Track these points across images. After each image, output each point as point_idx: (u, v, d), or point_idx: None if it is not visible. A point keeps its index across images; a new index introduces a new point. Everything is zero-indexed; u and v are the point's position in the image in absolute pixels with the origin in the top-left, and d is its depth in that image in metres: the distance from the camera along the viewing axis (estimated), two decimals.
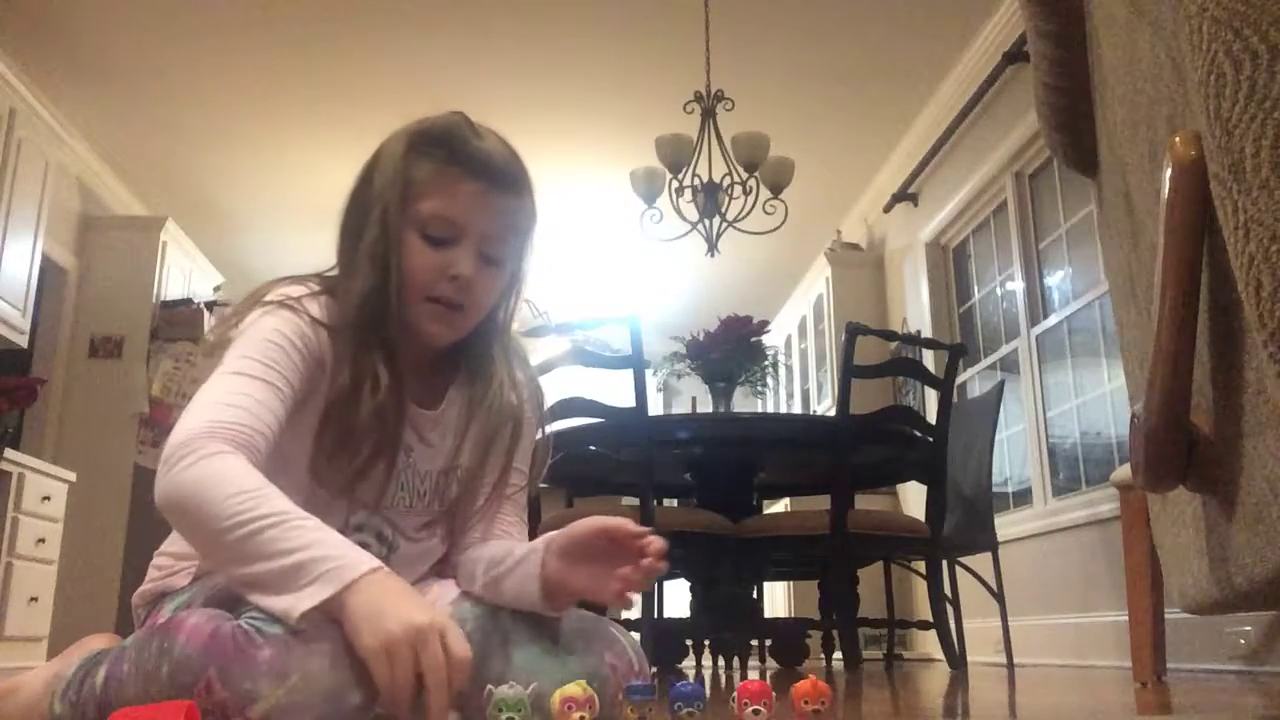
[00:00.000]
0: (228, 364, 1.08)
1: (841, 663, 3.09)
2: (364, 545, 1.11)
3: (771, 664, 3.86)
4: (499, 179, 1.16)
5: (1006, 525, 4.17)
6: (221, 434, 1.01)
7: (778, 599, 5.86)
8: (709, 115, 4.13)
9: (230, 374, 1.07)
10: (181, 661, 0.91)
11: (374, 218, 1.14)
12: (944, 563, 3.24)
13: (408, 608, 0.91)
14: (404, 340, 1.16)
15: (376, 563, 0.95)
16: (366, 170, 1.20)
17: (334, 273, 1.20)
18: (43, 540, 4.23)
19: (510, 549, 1.18)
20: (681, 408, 7.97)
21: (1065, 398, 4.24)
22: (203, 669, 0.90)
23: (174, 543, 1.19)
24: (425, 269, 1.13)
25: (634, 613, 3.03)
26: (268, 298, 1.15)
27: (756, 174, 3.97)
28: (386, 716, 1.07)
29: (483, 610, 1.16)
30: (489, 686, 0.94)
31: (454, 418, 1.23)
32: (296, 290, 1.16)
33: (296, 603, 0.92)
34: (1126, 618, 2.55)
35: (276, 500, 0.97)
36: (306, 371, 1.10)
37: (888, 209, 5.86)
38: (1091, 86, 1.06)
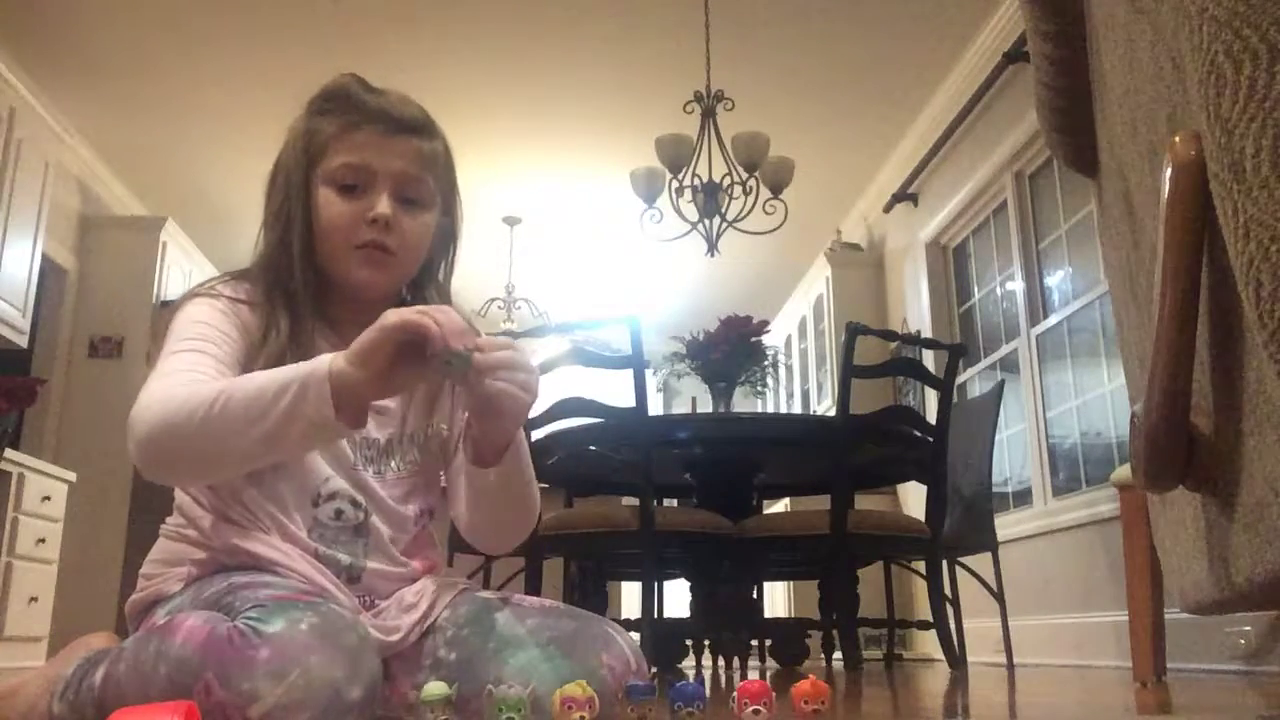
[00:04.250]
0: (162, 354, 1.12)
1: (841, 663, 3.09)
2: (339, 512, 1.16)
3: (771, 664, 3.86)
4: (399, 121, 1.20)
5: (1006, 525, 4.17)
6: (164, 391, 1.04)
7: (778, 599, 5.86)
8: (709, 115, 4.13)
9: (165, 356, 1.10)
10: (179, 663, 0.91)
11: (278, 184, 1.20)
12: (944, 563, 3.24)
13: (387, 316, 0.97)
14: (343, 299, 1.20)
15: (326, 358, 0.99)
16: (279, 151, 1.24)
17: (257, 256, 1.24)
18: (43, 540, 4.23)
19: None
20: (681, 408, 7.97)
21: (1065, 398, 4.24)
22: (201, 670, 0.90)
23: (161, 551, 1.20)
24: (343, 217, 1.16)
25: (634, 613, 3.03)
26: (191, 291, 1.20)
27: (756, 174, 3.97)
28: (388, 712, 1.08)
29: (479, 611, 1.17)
30: (489, 687, 0.94)
31: None
32: (209, 282, 1.21)
33: (315, 386, 0.97)
34: (1126, 618, 2.55)
35: (221, 382, 1.02)
36: (238, 341, 1.14)
37: (888, 209, 5.86)
38: (1091, 86, 1.06)
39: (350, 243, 1.16)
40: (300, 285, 1.17)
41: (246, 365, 1.13)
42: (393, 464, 1.22)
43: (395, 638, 1.12)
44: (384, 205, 1.16)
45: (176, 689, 0.90)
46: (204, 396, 1.00)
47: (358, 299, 1.20)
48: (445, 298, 1.27)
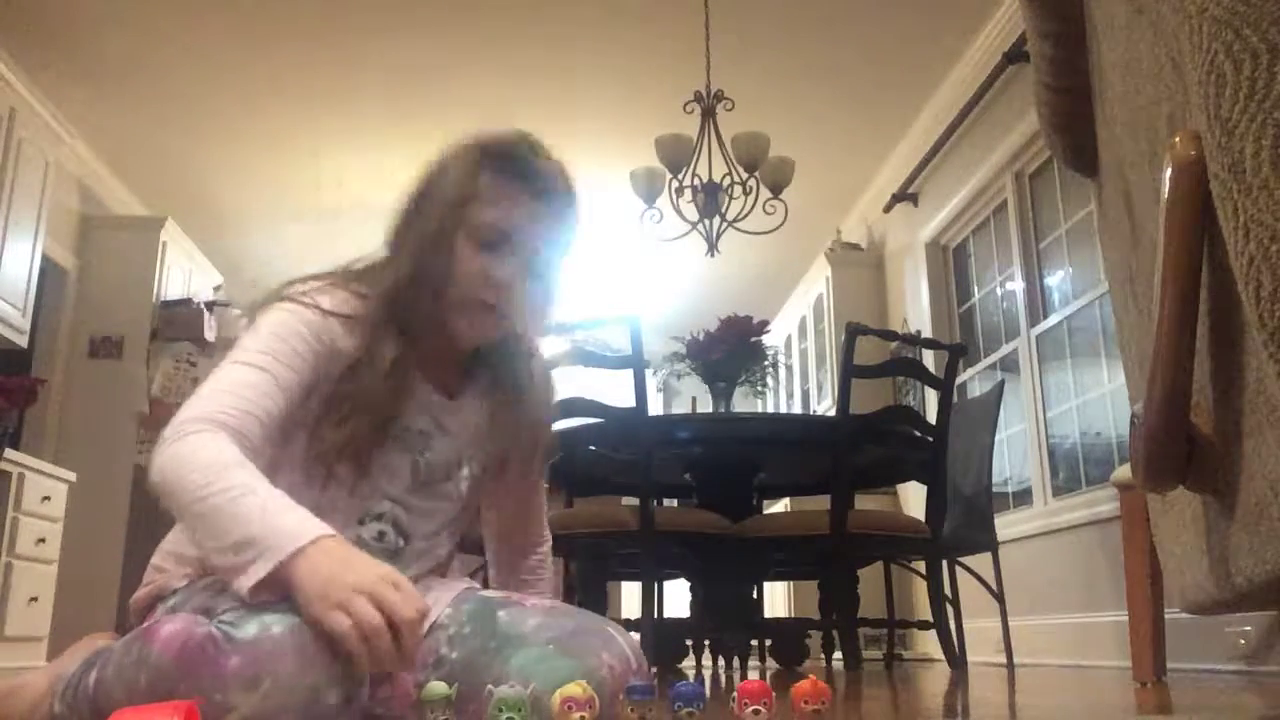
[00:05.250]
0: (229, 356, 1.12)
1: (841, 663, 3.09)
2: (380, 534, 1.18)
3: (771, 664, 3.86)
4: (554, 198, 1.22)
5: (1006, 525, 4.17)
6: (209, 416, 1.05)
7: (778, 599, 5.86)
8: (709, 115, 4.13)
9: (229, 364, 1.11)
10: (156, 671, 0.91)
11: (429, 217, 1.19)
12: (944, 563, 3.24)
13: (358, 567, 0.93)
14: (433, 333, 1.21)
15: (323, 530, 0.96)
16: (427, 174, 1.24)
17: (360, 265, 1.25)
18: (43, 540, 4.23)
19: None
20: (681, 408, 7.97)
21: (1065, 398, 4.24)
22: (177, 679, 0.90)
23: (171, 543, 1.21)
24: (471, 272, 1.18)
25: (634, 613, 3.03)
26: (285, 293, 1.19)
27: (756, 174, 3.97)
28: (389, 711, 1.08)
29: (480, 610, 1.17)
30: (489, 686, 0.94)
31: (472, 414, 1.28)
32: (308, 285, 1.20)
33: (245, 580, 0.94)
34: (1126, 618, 2.55)
35: (236, 474, 0.99)
36: (313, 360, 1.14)
37: (888, 209, 5.86)
38: (1091, 86, 1.06)
39: (466, 295, 1.18)
40: (421, 325, 1.19)
41: (318, 382, 1.14)
42: (441, 496, 1.27)
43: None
44: (509, 273, 1.18)
45: (157, 696, 0.90)
46: (199, 486, 0.99)
47: (448, 339, 1.24)
48: (537, 362, 1.34)
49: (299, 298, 1.17)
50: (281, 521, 0.96)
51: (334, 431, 1.14)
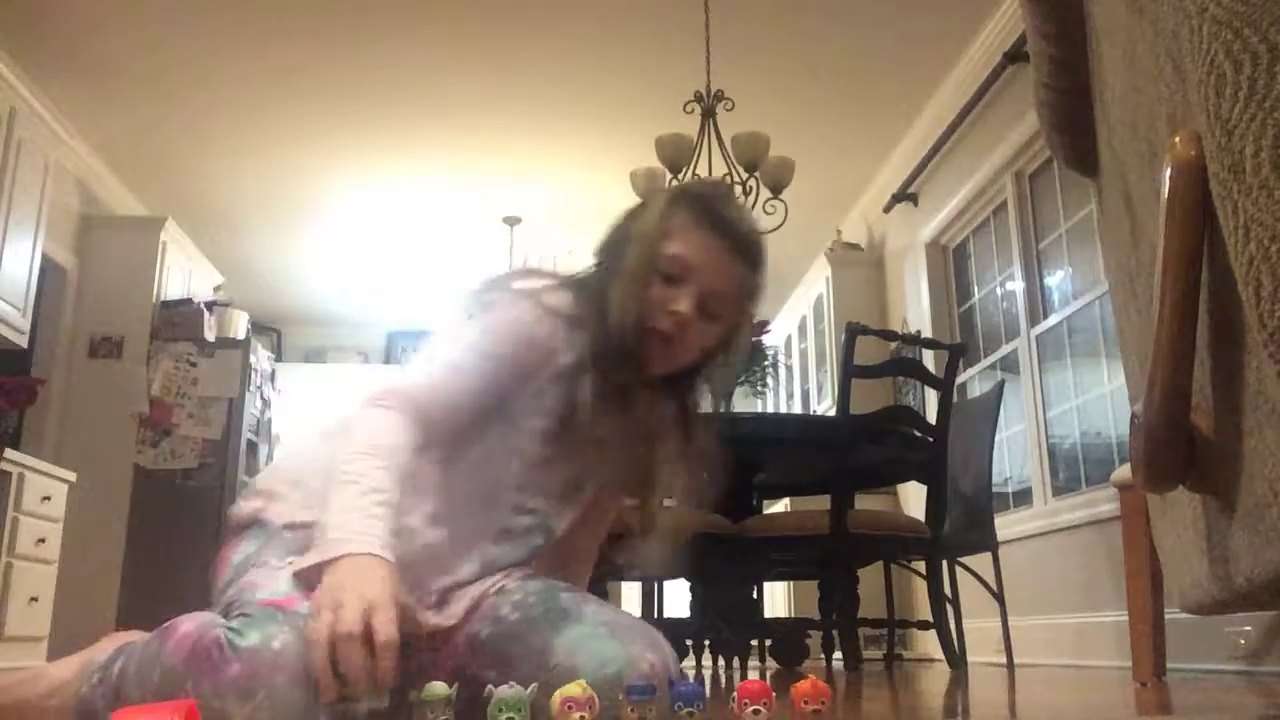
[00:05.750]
0: (456, 339, 1.27)
1: (841, 663, 3.09)
2: (528, 530, 1.31)
3: (771, 664, 3.86)
4: (736, 242, 1.31)
5: (1006, 525, 4.17)
6: (406, 397, 1.19)
7: (778, 599, 5.86)
8: (709, 115, 4.13)
9: (452, 366, 1.24)
10: (168, 670, 0.97)
11: (637, 247, 1.30)
12: (944, 563, 3.24)
13: (353, 588, 0.98)
14: (624, 358, 1.29)
15: (369, 548, 1.03)
16: (636, 208, 1.39)
17: (578, 274, 1.36)
18: (43, 540, 4.23)
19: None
20: None
21: (1065, 398, 4.24)
22: (183, 680, 0.95)
23: (294, 457, 1.35)
24: (651, 299, 1.27)
25: (634, 613, 3.03)
26: (514, 285, 1.31)
27: (756, 174, 3.97)
28: (437, 662, 1.22)
29: (547, 586, 1.28)
30: (489, 686, 0.94)
31: (632, 436, 1.36)
32: (539, 282, 1.31)
33: (301, 561, 1.07)
34: (1126, 618, 2.55)
35: (363, 463, 1.11)
36: (526, 357, 1.26)
37: (888, 209, 5.85)
38: (1091, 86, 1.06)
39: (644, 322, 1.27)
40: (620, 349, 1.27)
41: (527, 376, 1.26)
42: (584, 504, 1.39)
43: (451, 622, 1.25)
44: (686, 305, 1.27)
45: (166, 694, 0.95)
46: (344, 459, 1.12)
47: (635, 365, 1.31)
48: (701, 410, 1.44)
49: (531, 294, 1.28)
50: (351, 526, 1.05)
51: (528, 436, 1.27)
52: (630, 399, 1.31)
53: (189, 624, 0.99)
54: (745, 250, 1.31)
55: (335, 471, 1.10)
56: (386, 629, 0.96)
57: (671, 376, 1.35)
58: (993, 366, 4.92)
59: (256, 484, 1.29)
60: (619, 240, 1.34)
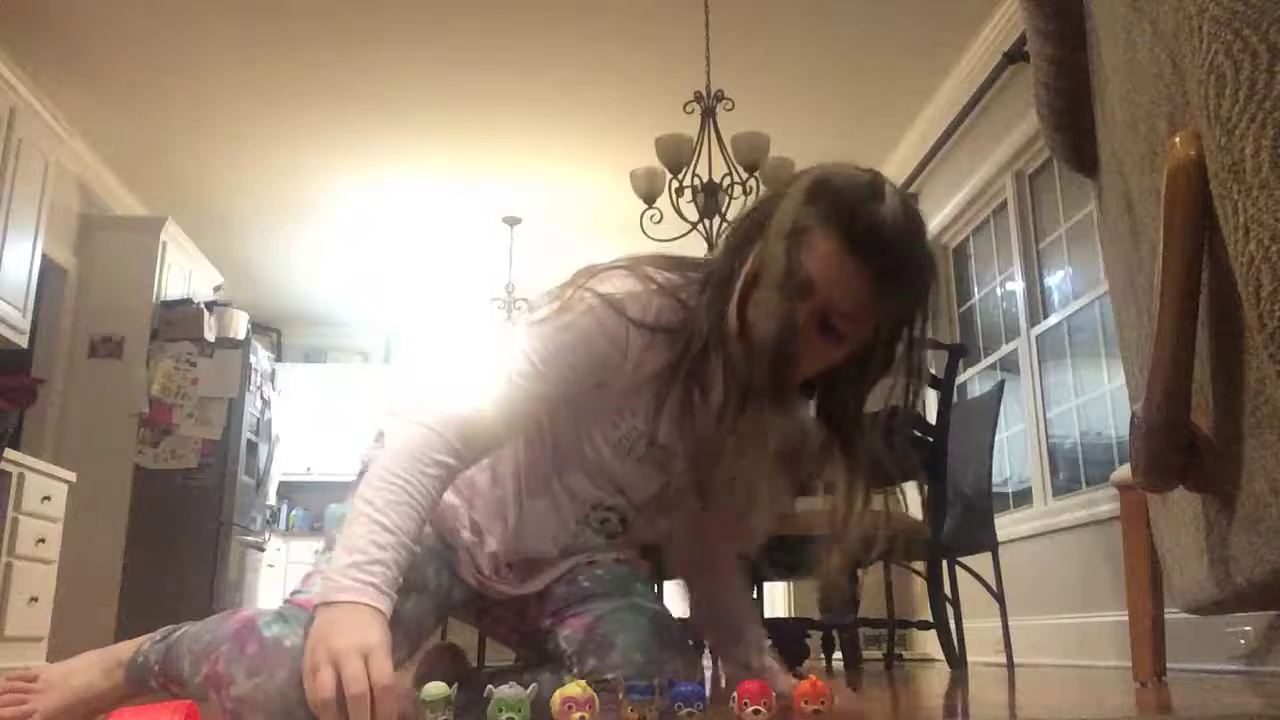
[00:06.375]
0: (522, 339, 1.17)
1: (841, 663, 3.09)
2: (604, 520, 1.36)
3: None
4: (873, 255, 1.09)
5: (1006, 525, 4.17)
6: (447, 419, 1.13)
7: (778, 599, 5.86)
8: (709, 115, 4.13)
9: (511, 356, 1.16)
10: (216, 636, 1.14)
11: (762, 251, 1.13)
12: (944, 563, 3.24)
13: (346, 637, 0.97)
14: (731, 362, 1.18)
15: (368, 597, 1.02)
16: (765, 202, 1.19)
17: (687, 269, 1.24)
18: (43, 540, 4.22)
19: (737, 624, 1.45)
20: None
21: (1065, 398, 4.24)
22: (220, 644, 1.11)
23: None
24: (767, 310, 1.12)
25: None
26: (600, 288, 1.17)
27: (756, 174, 3.97)
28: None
29: (628, 572, 1.37)
30: (489, 686, 0.95)
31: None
32: (625, 286, 1.18)
33: (315, 589, 1.12)
34: (1126, 618, 2.55)
35: (383, 493, 1.08)
36: (593, 368, 1.17)
37: None
38: (1091, 86, 1.06)
39: (755, 340, 1.14)
40: (723, 352, 1.17)
41: (596, 385, 1.22)
42: (666, 509, 1.42)
43: (531, 590, 1.35)
44: (798, 320, 1.11)
45: (204, 652, 1.13)
46: (363, 491, 1.10)
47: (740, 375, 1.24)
48: (795, 416, 1.27)
49: (612, 303, 1.15)
50: (354, 568, 1.04)
51: (603, 439, 1.28)
52: (727, 409, 1.18)
53: (252, 609, 1.16)
54: (886, 262, 1.09)
55: (359, 498, 1.09)
56: (383, 673, 0.95)
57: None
58: (993, 366, 4.92)
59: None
60: (748, 240, 1.17)
